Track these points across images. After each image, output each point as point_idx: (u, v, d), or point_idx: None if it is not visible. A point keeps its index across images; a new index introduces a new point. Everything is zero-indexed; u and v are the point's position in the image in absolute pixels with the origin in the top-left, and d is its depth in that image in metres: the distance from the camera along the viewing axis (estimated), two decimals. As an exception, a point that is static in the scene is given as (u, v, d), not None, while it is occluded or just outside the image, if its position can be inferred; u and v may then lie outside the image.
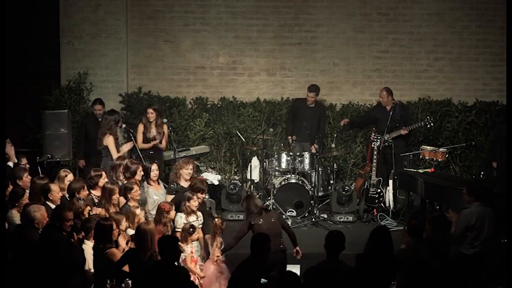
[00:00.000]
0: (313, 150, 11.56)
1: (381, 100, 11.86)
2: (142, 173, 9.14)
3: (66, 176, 8.80)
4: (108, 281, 7.07)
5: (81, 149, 11.61)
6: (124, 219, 7.80)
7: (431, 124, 11.68)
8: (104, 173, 9.08)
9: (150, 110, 10.92)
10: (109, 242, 7.20)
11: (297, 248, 8.39)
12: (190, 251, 8.24)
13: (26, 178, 8.80)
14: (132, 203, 8.49)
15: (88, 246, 7.42)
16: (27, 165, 9.65)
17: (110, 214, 8.05)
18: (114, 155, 10.30)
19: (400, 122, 11.49)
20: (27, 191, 8.41)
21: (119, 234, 7.58)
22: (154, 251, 7.03)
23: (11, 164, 9.49)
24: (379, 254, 6.82)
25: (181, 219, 8.46)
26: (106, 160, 10.38)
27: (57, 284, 6.91)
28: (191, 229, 8.24)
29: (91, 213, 8.05)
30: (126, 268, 7.04)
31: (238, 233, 8.38)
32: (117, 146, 10.46)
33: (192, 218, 8.52)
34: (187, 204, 8.50)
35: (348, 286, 6.42)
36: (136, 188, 8.63)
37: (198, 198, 8.72)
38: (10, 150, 9.62)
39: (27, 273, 6.95)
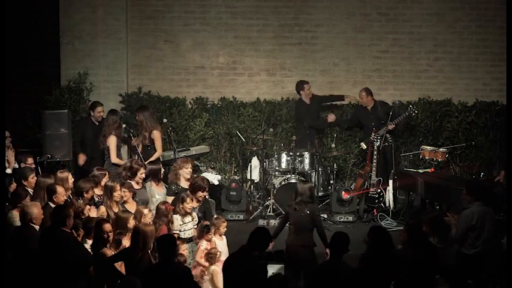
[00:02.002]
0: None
1: (360, 101, 11.95)
2: (143, 175, 9.13)
3: (67, 176, 8.79)
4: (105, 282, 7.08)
5: (80, 152, 11.23)
6: (131, 218, 7.84)
7: (415, 112, 11.70)
8: (107, 173, 9.08)
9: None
10: (104, 242, 7.20)
11: (327, 250, 8.17)
12: (205, 247, 8.21)
13: (32, 179, 8.77)
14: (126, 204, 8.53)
15: (89, 246, 7.44)
16: (33, 165, 9.62)
17: (117, 213, 8.06)
18: (113, 157, 10.25)
19: (385, 119, 11.51)
20: (30, 193, 8.42)
21: (118, 233, 7.58)
22: (147, 251, 7.05)
23: (9, 170, 9.43)
24: (379, 254, 6.82)
25: (177, 221, 8.47)
26: (110, 160, 10.35)
27: (67, 284, 6.91)
28: (205, 229, 8.22)
29: (97, 215, 8.08)
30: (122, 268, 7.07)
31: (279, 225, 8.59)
32: (119, 147, 10.44)
33: (187, 219, 8.53)
34: (181, 205, 8.50)
35: (349, 286, 6.42)
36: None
37: (199, 196, 8.72)
38: (10, 156, 9.58)
39: (29, 272, 6.95)
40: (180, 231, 8.43)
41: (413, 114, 11.72)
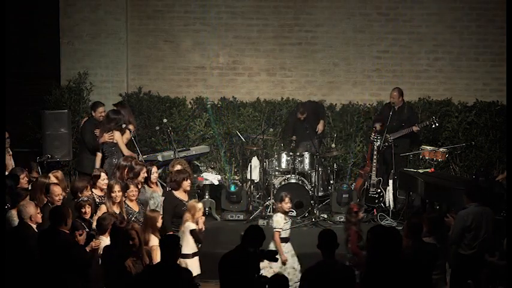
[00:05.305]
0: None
1: (391, 100, 11.66)
2: (145, 174, 9.10)
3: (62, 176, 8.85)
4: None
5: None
6: (160, 217, 7.88)
7: (436, 125, 11.62)
8: (103, 174, 9.03)
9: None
10: (126, 249, 7.03)
11: None
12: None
13: (23, 179, 8.77)
14: (128, 202, 8.50)
15: (105, 242, 7.40)
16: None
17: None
18: (125, 151, 10.09)
19: (406, 122, 11.47)
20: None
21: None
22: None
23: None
24: (383, 256, 6.74)
25: (281, 219, 8.52)
26: (110, 160, 10.17)
27: (65, 285, 6.92)
28: None
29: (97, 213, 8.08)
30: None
31: None
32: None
33: (288, 218, 8.67)
34: (280, 204, 8.66)
35: (345, 285, 6.40)
36: (132, 187, 8.57)
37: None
38: (8, 159, 9.57)
39: (27, 271, 6.96)
40: (282, 229, 8.49)
41: (434, 126, 11.58)
